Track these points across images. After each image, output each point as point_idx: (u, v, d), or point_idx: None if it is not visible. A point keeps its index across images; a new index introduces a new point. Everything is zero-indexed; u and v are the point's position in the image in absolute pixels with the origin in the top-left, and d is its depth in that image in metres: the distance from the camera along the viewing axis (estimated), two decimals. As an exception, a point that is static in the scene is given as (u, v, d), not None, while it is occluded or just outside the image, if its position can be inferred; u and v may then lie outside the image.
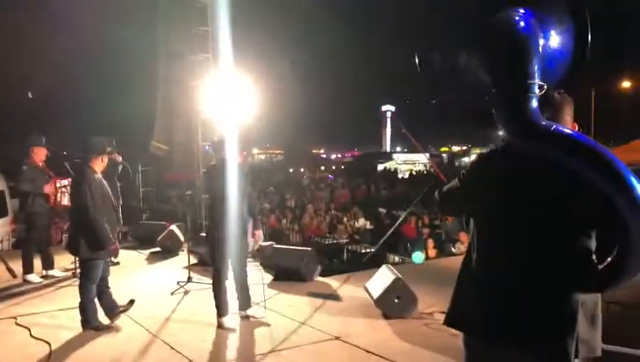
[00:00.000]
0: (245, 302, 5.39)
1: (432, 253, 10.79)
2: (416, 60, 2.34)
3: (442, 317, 5.15)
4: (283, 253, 7.27)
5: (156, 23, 12.22)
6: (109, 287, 5.47)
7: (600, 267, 1.97)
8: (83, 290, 5.17)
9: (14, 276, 6.30)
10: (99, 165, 5.38)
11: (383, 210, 16.55)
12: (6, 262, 6.26)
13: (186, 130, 13.53)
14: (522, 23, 2.00)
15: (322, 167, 40.23)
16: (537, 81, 1.99)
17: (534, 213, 2.02)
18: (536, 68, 1.99)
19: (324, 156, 64.20)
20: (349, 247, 12.11)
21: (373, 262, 8.97)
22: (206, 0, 11.04)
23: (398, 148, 68.14)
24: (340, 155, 61.72)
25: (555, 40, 2.08)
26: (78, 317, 5.23)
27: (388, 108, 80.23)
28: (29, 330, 5.11)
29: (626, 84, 32.62)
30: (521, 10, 2.03)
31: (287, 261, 7.00)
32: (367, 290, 5.73)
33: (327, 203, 18.63)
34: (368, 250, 10.99)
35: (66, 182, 7.43)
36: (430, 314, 5.36)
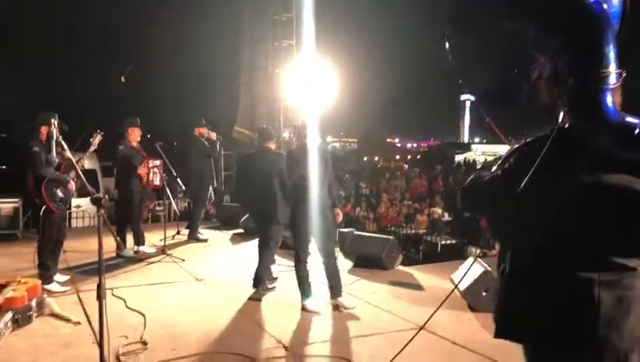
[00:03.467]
0: (336, 289, 5.35)
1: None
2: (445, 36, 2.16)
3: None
4: (364, 240, 7.24)
5: (240, 10, 12.43)
6: None
7: None
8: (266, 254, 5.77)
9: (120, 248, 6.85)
10: None
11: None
12: (115, 236, 6.71)
13: (267, 116, 13.78)
14: None
15: (397, 156, 39.87)
16: (615, 69, 1.74)
17: (593, 207, 1.78)
18: (613, 52, 1.74)
19: (399, 145, 63.53)
20: (427, 238, 11.92)
21: (453, 254, 8.81)
22: (290, -13, 11.13)
23: (477, 140, 66.13)
24: (415, 145, 60.83)
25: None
26: (168, 291, 5.49)
27: (467, 98, 78.00)
28: (125, 301, 5.39)
29: None
30: None
31: (369, 248, 6.97)
32: (452, 281, 5.59)
33: (403, 192, 18.43)
34: (447, 242, 10.77)
35: (157, 162, 7.77)
36: (519, 309, 5.15)
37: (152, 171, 7.71)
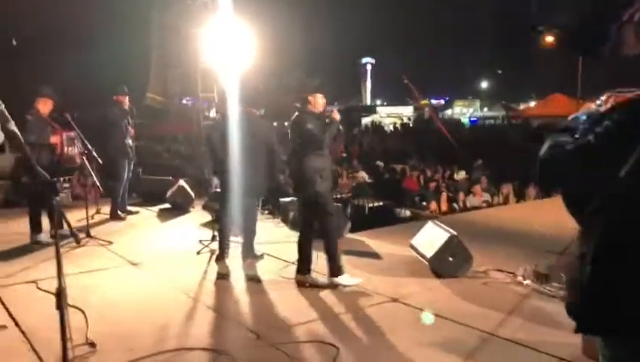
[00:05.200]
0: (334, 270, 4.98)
1: (444, 206, 10.56)
2: None
3: (499, 275, 5.00)
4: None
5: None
6: None
7: None
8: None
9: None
10: None
11: (380, 163, 16.24)
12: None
13: (182, 81, 12.88)
14: None
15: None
16: None
17: None
18: None
19: (305, 110, 62.73)
20: (354, 202, 11.82)
21: (381, 217, 8.71)
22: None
23: (378, 102, 67.41)
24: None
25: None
26: (102, 280, 4.89)
27: (368, 61, 79.03)
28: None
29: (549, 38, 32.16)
30: None
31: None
32: (414, 248, 5.42)
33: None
34: (374, 204, 10.71)
35: (72, 134, 6.89)
36: (484, 272, 5.09)
37: (68, 144, 6.83)
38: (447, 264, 4.94)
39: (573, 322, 1.64)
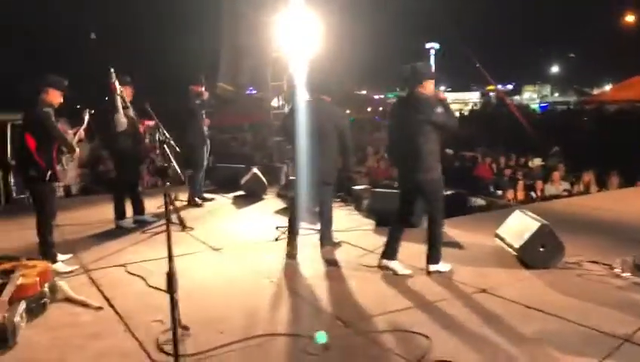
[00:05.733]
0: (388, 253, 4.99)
1: (520, 195, 10.17)
2: None
3: (593, 267, 4.71)
4: (386, 197, 6.78)
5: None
6: None
7: None
8: None
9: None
10: None
11: (450, 151, 15.88)
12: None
13: (252, 71, 12.97)
14: None
15: (369, 108, 39.28)
16: None
17: None
18: None
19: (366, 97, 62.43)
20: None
21: (454, 205, 8.46)
22: None
23: (442, 88, 65.89)
24: (382, 96, 60.08)
25: None
26: (188, 265, 5.01)
27: (432, 46, 77.24)
28: (144, 279, 4.82)
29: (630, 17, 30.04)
30: None
31: (394, 206, 6.49)
32: (500, 237, 5.22)
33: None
34: (446, 193, 10.45)
35: (152, 123, 7.07)
36: (578, 263, 4.82)
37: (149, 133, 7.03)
38: (537, 254, 4.71)
39: None
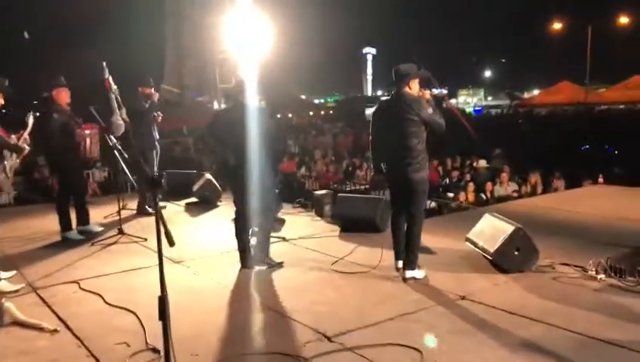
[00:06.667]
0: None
1: (471, 196, 10.29)
2: None
3: (565, 269, 4.72)
4: (351, 203, 6.64)
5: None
6: None
7: None
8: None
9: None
10: None
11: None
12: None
13: (197, 72, 12.56)
14: None
15: (311, 112, 39.20)
16: None
17: None
18: None
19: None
20: (372, 194, 11.58)
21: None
22: None
23: (379, 92, 66.94)
24: (322, 100, 60.33)
25: None
26: (147, 279, 4.66)
27: (369, 51, 78.41)
28: (102, 297, 4.43)
29: (624, 19, 32.02)
30: None
31: (359, 211, 6.38)
32: (471, 241, 5.16)
33: (335, 148, 18.05)
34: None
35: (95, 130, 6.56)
36: (551, 266, 4.82)
37: (91, 140, 6.50)
38: (512, 258, 4.68)
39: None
